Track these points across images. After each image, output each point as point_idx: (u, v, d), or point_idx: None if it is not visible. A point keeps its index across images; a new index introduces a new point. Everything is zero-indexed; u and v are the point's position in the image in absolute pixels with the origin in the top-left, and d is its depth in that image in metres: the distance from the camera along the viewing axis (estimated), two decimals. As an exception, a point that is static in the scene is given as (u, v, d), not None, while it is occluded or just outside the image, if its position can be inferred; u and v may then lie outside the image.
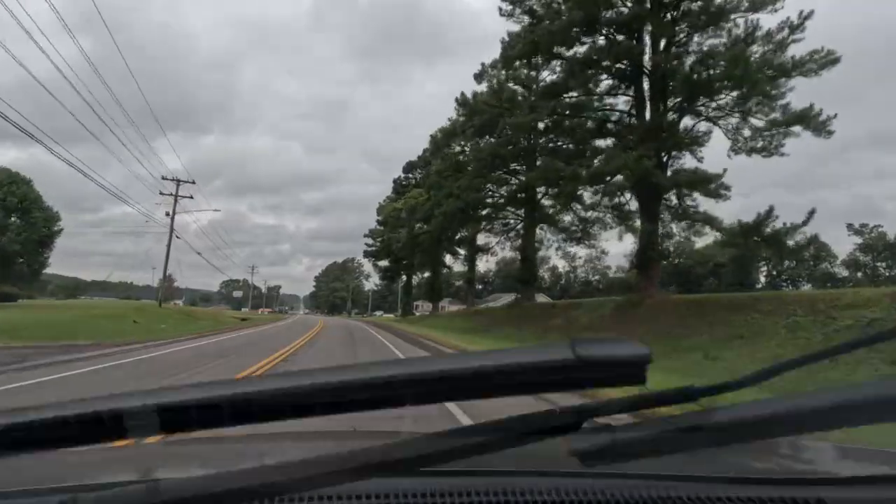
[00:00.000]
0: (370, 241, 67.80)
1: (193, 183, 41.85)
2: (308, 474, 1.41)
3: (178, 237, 41.75)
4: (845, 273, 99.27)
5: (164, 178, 40.78)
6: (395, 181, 62.34)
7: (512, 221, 40.51)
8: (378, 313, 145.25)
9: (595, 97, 23.36)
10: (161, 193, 40.87)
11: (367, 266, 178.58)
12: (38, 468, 1.53)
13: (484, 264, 60.33)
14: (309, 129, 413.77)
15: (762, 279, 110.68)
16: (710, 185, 19.78)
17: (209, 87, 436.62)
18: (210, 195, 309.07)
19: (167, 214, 40.85)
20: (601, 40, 21.55)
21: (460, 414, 7.12)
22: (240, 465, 1.52)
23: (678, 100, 20.71)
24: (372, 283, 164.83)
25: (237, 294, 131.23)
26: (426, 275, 65.27)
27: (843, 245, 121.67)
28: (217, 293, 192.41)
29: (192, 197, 42.03)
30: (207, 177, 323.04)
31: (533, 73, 28.50)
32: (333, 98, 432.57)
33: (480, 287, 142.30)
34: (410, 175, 60.12)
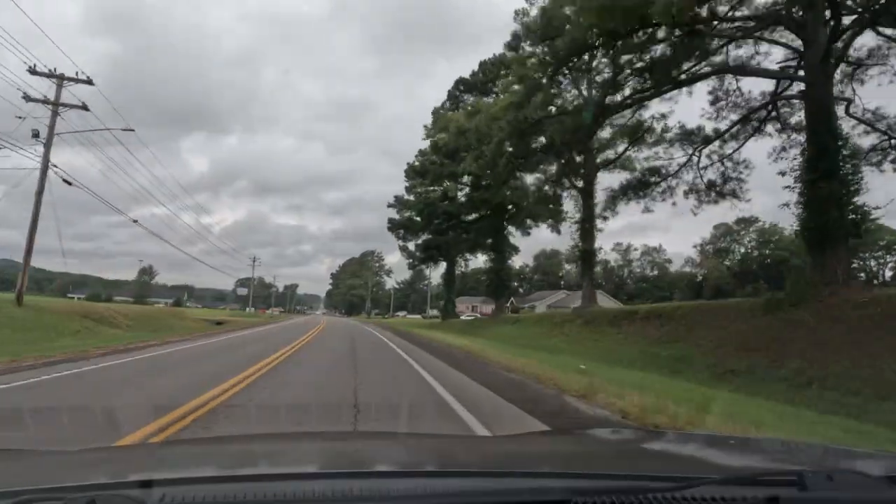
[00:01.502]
0: (395, 215, 48.34)
1: (89, 83, 22.83)
2: (303, 476, 1.32)
3: (68, 182, 22.76)
4: None
5: (32, 70, 21.95)
6: (434, 112, 42.30)
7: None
8: (401, 314, 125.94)
9: None
10: (26, 98, 21.97)
11: (390, 260, 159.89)
12: (39, 468, 1.58)
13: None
14: (329, 128, 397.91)
15: None
16: None
17: (228, 88, 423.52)
18: (233, 196, 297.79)
19: (35, 136, 21.94)
20: None
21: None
22: (237, 465, 1.59)
23: None
24: (394, 280, 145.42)
25: (242, 291, 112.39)
26: (474, 261, 46.24)
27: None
28: (232, 292, 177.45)
29: (85, 107, 22.96)
30: (230, 177, 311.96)
31: None
32: (353, 97, 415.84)
33: (516, 284, 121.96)
34: (461, 97, 40.00)
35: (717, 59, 20.59)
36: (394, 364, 13.18)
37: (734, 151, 23.18)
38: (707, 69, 20.65)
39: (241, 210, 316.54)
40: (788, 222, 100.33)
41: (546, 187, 32.15)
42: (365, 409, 6.65)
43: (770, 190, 40.52)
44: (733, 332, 14.62)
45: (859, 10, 15.44)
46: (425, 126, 41.68)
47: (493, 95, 33.43)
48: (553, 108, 24.08)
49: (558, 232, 38.15)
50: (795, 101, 19.84)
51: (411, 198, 45.21)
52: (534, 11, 22.93)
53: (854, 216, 14.81)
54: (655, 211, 39.29)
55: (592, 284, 31.35)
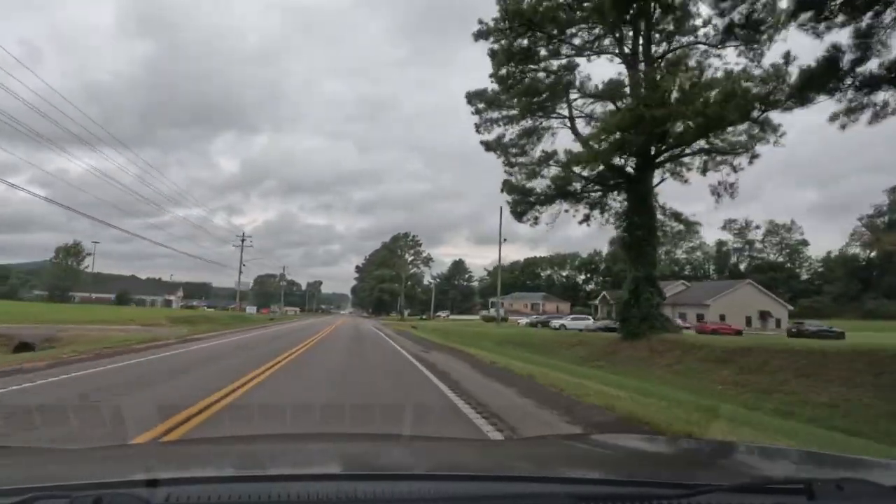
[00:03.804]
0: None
1: None
2: (309, 477, 1.30)
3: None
4: None
5: None
6: None
7: None
8: (443, 314, 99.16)
9: None
10: None
11: (428, 246, 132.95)
12: (45, 466, 1.59)
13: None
14: (356, 126, 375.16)
15: None
16: None
17: (255, 86, 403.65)
18: (262, 196, 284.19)
19: None
20: None
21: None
22: (242, 466, 1.60)
23: None
24: (430, 273, 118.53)
25: (242, 288, 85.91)
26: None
27: None
28: (252, 290, 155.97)
29: None
30: (259, 177, 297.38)
31: None
32: (379, 93, 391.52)
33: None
34: None
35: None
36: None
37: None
38: None
39: (270, 211, 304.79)
40: None
41: None
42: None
43: None
44: None
45: None
46: None
47: None
48: None
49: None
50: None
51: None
52: None
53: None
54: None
55: None
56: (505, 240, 48.26)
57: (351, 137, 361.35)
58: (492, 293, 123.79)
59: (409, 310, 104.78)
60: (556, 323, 43.34)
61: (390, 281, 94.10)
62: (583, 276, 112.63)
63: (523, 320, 54.32)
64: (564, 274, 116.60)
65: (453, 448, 2.31)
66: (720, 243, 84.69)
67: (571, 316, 47.99)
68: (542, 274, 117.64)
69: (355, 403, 7.45)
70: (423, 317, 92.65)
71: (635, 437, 3.74)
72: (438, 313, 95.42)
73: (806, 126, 78.75)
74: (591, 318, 46.45)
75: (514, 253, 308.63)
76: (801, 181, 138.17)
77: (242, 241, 59.11)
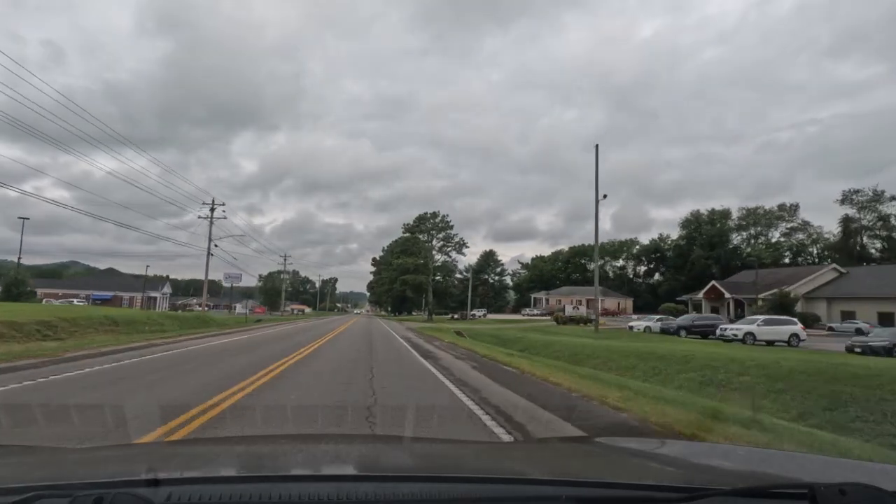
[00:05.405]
0: None
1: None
2: (310, 478, 1.31)
3: None
4: None
5: None
6: None
7: None
8: (479, 313, 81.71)
9: None
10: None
11: (460, 227, 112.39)
12: (47, 465, 1.57)
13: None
14: (374, 125, 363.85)
15: None
16: None
17: (275, 84, 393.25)
18: (281, 195, 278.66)
19: None
20: None
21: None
22: (244, 466, 1.60)
23: None
24: (465, 263, 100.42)
25: (228, 281, 68.54)
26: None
27: None
28: (259, 288, 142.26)
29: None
30: (278, 176, 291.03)
31: None
32: (398, 91, 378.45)
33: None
34: None
35: None
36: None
37: None
38: None
39: (289, 210, 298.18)
40: None
41: None
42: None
43: None
44: None
45: None
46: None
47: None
48: None
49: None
50: None
51: None
52: None
53: None
54: None
55: None
56: (605, 196, 30.73)
57: (369, 135, 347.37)
58: (531, 288, 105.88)
59: (443, 309, 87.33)
60: (732, 330, 25.61)
61: (415, 272, 76.69)
62: (644, 267, 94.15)
63: (641, 323, 35.75)
64: (619, 265, 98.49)
65: (455, 450, 2.26)
66: (847, 219, 65.72)
67: (762, 318, 29.10)
68: (589, 266, 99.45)
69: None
70: (455, 316, 75.19)
71: (637, 439, 3.61)
72: (473, 312, 77.90)
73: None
74: (796, 321, 28.10)
75: (530, 251, 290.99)
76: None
77: (212, 210, 42.05)
